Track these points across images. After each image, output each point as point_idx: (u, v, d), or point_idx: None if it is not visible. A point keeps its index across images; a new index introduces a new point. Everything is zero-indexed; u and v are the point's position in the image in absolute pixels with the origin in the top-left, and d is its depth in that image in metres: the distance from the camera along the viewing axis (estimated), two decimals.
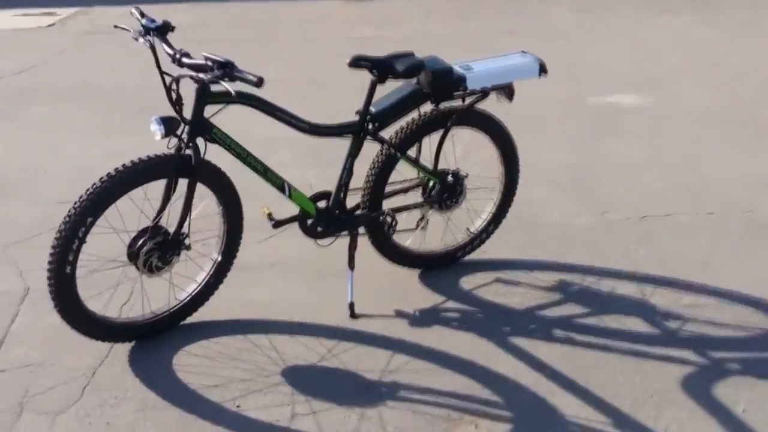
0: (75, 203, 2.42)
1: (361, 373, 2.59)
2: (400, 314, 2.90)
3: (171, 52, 2.47)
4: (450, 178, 3.05)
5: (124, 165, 2.47)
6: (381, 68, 2.69)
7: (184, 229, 2.64)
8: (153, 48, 2.48)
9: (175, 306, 2.77)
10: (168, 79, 2.44)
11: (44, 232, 3.36)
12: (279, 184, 2.76)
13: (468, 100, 2.92)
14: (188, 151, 2.54)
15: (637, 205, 3.80)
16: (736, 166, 4.27)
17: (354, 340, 2.75)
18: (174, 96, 2.47)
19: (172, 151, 2.55)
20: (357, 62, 2.66)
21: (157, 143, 2.49)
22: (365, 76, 2.74)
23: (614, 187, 4.02)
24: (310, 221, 2.87)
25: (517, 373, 2.58)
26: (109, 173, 2.45)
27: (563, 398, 2.47)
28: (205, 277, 2.80)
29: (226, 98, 2.54)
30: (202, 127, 2.56)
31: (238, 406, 2.44)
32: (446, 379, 2.56)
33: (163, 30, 2.52)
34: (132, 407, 2.43)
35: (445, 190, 3.05)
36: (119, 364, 2.61)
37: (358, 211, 2.95)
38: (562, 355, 2.67)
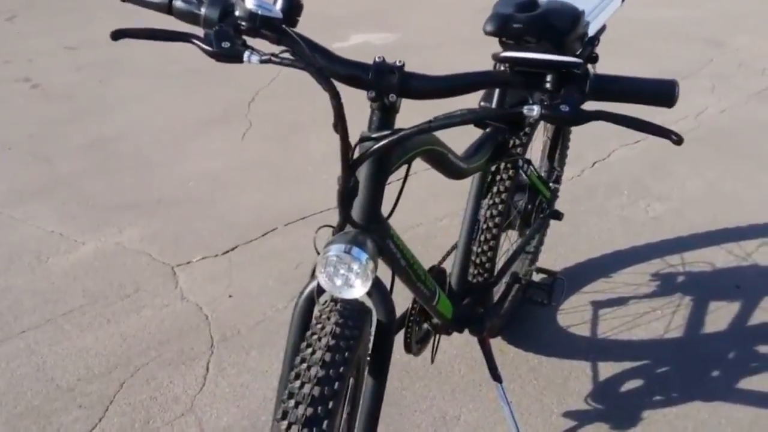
0: None
1: None
2: (570, 415, 1.89)
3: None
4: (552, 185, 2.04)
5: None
6: None
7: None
8: (327, 81, 1.02)
9: None
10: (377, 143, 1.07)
11: None
12: (432, 289, 1.47)
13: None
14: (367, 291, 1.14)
15: None
16: None
17: None
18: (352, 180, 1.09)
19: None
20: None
21: None
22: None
23: None
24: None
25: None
26: None
27: None
28: None
29: (411, 155, 1.18)
30: (384, 234, 1.20)
31: None
32: None
33: (292, 16, 1.09)
34: None
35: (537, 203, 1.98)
36: None
37: (484, 282, 1.75)
38: None
